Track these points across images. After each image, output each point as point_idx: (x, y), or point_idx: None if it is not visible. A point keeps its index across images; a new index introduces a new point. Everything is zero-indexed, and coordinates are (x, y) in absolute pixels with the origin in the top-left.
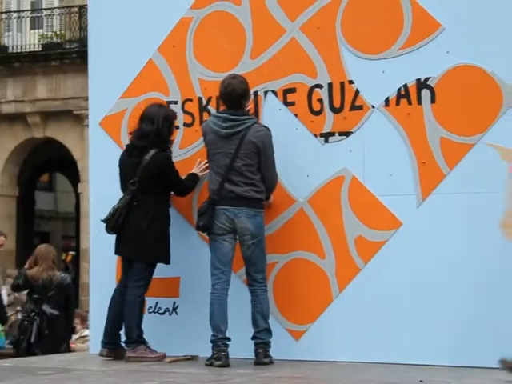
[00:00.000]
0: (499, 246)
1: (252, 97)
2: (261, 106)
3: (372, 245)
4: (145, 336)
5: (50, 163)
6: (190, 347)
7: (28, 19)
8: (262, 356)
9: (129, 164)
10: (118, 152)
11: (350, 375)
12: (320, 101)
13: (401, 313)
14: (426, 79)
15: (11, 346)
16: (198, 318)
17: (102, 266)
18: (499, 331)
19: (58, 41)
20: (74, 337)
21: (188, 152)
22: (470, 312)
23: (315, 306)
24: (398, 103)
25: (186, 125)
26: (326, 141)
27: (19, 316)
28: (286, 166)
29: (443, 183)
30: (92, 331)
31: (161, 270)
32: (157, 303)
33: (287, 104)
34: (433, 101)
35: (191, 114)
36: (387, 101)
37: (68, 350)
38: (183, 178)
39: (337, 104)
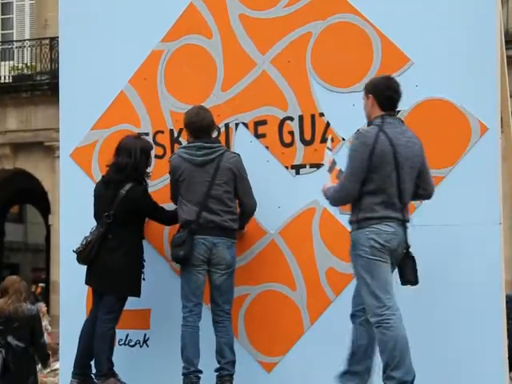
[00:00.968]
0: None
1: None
2: (232, 137)
3: (343, 276)
4: (115, 368)
5: (20, 195)
6: (160, 379)
7: None
8: None
9: (105, 196)
10: (89, 184)
11: None
12: (291, 133)
13: None
14: (396, 112)
15: None
16: (169, 350)
17: (72, 298)
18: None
19: (29, 72)
20: (46, 370)
21: (159, 184)
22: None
23: (287, 337)
24: None
25: (157, 156)
26: (297, 173)
27: None
28: (258, 198)
29: (414, 215)
30: (62, 364)
31: (131, 302)
32: (127, 335)
33: (258, 136)
34: None
35: (162, 146)
36: None
37: (35, 383)
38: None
39: (307, 136)
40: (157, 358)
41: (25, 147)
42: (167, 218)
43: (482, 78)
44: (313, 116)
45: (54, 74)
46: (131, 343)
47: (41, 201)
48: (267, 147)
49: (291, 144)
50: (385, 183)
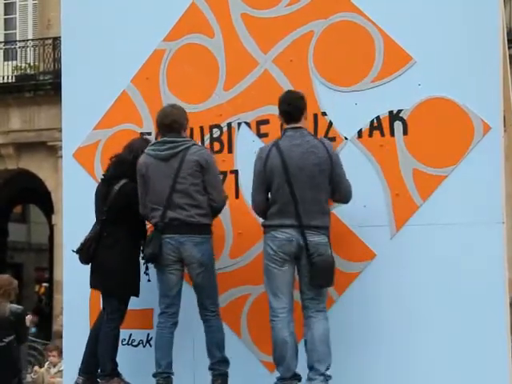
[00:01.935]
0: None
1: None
2: (234, 137)
3: (346, 276)
4: (119, 368)
5: (23, 194)
6: None
7: (1, 51)
8: None
9: (101, 192)
10: (92, 183)
11: None
12: None
13: (375, 342)
14: (399, 111)
15: None
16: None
17: (75, 298)
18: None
19: (32, 72)
20: (53, 370)
21: None
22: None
23: None
24: (370, 135)
25: None
26: None
27: None
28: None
29: (416, 214)
30: (66, 363)
31: (134, 302)
32: (130, 335)
33: (260, 135)
34: (405, 133)
35: None
36: (360, 132)
37: None
38: None
39: None
40: None
41: (28, 147)
42: None
43: (484, 77)
44: (315, 115)
45: (57, 74)
46: (134, 343)
47: (44, 200)
48: None
49: None
50: (277, 194)
